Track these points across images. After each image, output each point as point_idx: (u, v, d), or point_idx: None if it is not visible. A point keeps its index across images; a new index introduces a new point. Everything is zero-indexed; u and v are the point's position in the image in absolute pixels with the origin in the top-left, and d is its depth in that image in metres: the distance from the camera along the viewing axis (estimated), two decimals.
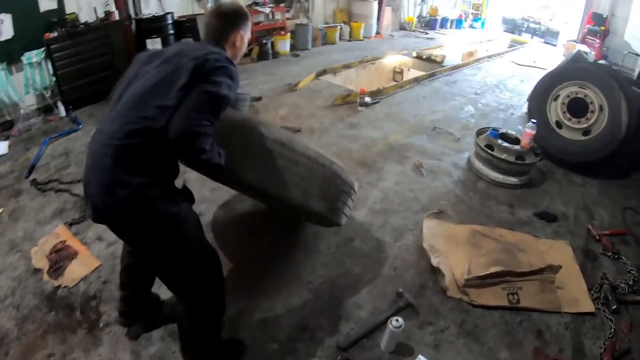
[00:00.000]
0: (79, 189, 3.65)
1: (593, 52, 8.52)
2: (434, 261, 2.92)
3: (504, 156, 3.90)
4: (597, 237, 3.34)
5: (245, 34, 2.03)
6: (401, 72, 8.82)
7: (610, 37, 9.02)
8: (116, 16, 5.95)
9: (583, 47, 8.85)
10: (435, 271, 2.90)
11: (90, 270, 2.83)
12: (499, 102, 6.35)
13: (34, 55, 5.01)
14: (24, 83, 5.07)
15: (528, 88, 6.88)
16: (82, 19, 5.58)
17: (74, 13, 5.48)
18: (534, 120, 3.91)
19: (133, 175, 1.62)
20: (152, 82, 1.71)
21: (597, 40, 8.99)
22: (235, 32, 1.97)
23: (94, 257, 2.94)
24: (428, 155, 4.54)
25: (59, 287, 2.71)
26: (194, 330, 2.10)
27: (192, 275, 1.92)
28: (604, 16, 9.06)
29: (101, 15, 5.84)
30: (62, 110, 5.33)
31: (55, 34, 5.14)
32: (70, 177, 3.95)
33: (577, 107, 4.37)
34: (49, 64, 5.20)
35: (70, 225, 3.27)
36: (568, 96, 4.45)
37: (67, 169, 4.12)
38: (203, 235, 2.02)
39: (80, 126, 5.02)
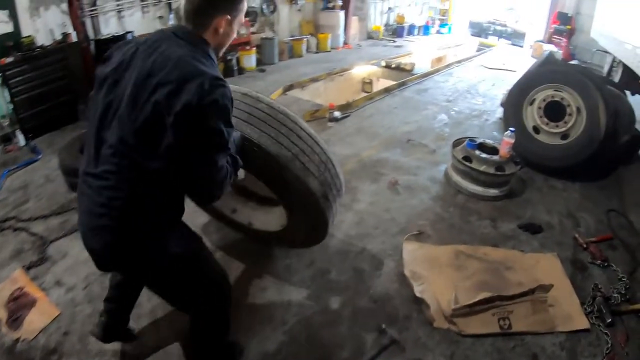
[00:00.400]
0: (37, 227, 3.43)
1: (561, 52, 8.56)
2: (417, 290, 2.69)
3: (483, 168, 3.72)
4: (585, 246, 3.21)
5: (235, 17, 1.60)
6: (370, 83, 8.67)
7: (577, 35, 9.10)
8: (74, 38, 5.66)
9: (550, 47, 8.94)
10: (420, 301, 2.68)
11: (49, 320, 2.60)
12: (472, 109, 6.24)
13: None
14: None
15: (500, 92, 6.88)
16: (39, 42, 5.29)
17: (30, 36, 5.17)
18: (512, 129, 3.75)
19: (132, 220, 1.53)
20: (130, 130, 1.43)
21: (564, 40, 9.08)
22: (217, 16, 1.53)
23: (53, 305, 2.70)
24: (403, 171, 4.34)
25: (18, 339, 2.49)
26: (200, 336, 2.04)
27: (202, 297, 1.87)
28: (569, 15, 9.14)
29: (59, 37, 5.54)
30: (21, 139, 4.98)
31: (11, 58, 4.83)
32: (29, 213, 3.65)
33: (554, 111, 4.25)
34: (6, 90, 4.88)
35: (28, 269, 3.00)
36: (544, 100, 4.32)
37: (25, 204, 3.82)
38: (209, 261, 1.94)
39: (40, 156, 4.69)
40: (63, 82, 5.40)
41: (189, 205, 2.03)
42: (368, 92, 8.27)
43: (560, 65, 4.74)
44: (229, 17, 1.56)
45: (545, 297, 2.61)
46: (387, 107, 6.34)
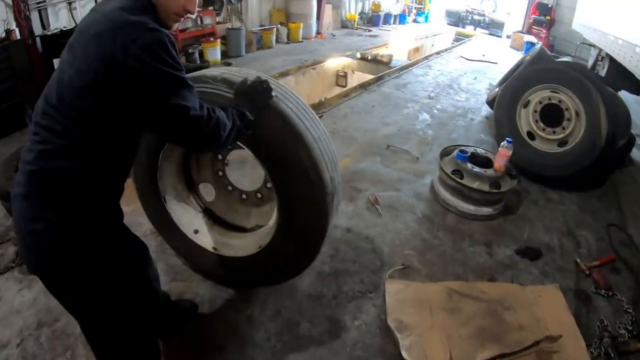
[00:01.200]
0: None
1: (540, 43, 8.32)
2: (404, 346, 2.24)
3: (476, 185, 3.27)
4: (587, 272, 2.91)
5: None
6: (345, 76, 8.22)
7: (557, 26, 8.94)
8: (17, 35, 5.02)
9: (530, 38, 8.70)
10: None
11: None
12: (455, 106, 5.81)
13: None
14: None
15: (483, 86, 6.52)
16: None
17: None
18: (509, 139, 3.29)
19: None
20: (69, 93, 1.32)
21: (544, 30, 8.95)
22: None
23: None
24: (384, 185, 3.85)
25: None
26: None
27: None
28: (550, 6, 8.98)
29: (1, 34, 4.94)
30: None
31: None
32: None
33: (551, 115, 3.85)
34: None
35: None
36: (540, 102, 3.93)
37: None
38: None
39: None
40: (6, 84, 4.86)
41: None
42: (342, 86, 7.83)
43: (555, 63, 4.32)
44: None
45: (552, 347, 2.25)
46: (364, 106, 5.84)
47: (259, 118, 1.76)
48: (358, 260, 2.94)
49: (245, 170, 3.76)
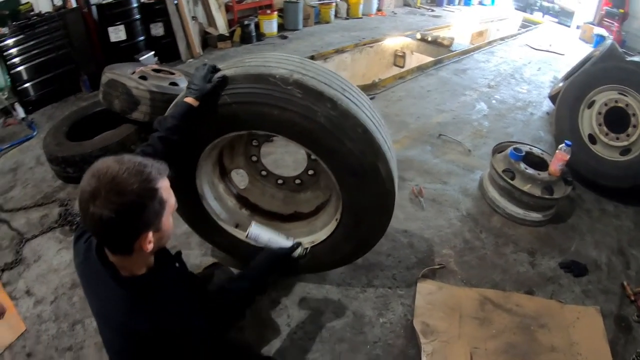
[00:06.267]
0: (18, 220, 3.22)
1: (611, 37, 7.74)
2: (426, 351, 2.21)
3: (527, 187, 3.09)
4: (633, 298, 2.69)
5: (159, 225, 1.24)
6: (403, 56, 7.97)
7: (630, 20, 8.28)
8: (73, 3, 5.18)
9: (600, 30, 8.15)
10: None
11: (16, 337, 2.40)
12: (516, 98, 5.51)
13: None
14: None
15: (547, 78, 6.16)
16: (38, 9, 4.92)
17: (28, 2, 4.85)
18: (568, 142, 3.05)
19: None
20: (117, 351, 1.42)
21: (615, 24, 8.29)
22: (135, 239, 1.19)
23: (20, 319, 2.50)
24: (431, 177, 3.75)
25: None
26: None
27: None
28: None
29: (59, 3, 5.09)
30: (20, 112, 4.76)
31: (6, 29, 4.55)
32: (13, 202, 3.43)
33: (617, 119, 3.55)
34: (2, 62, 4.64)
35: (2, 270, 2.80)
36: (606, 104, 3.62)
37: (12, 190, 3.60)
38: None
39: (35, 132, 4.49)
40: (63, 51, 5.07)
41: None
42: (400, 67, 7.63)
43: (626, 62, 3.97)
44: (149, 232, 1.26)
45: None
46: (420, 90, 5.66)
47: (340, 128, 1.71)
48: (393, 255, 2.90)
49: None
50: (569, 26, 10.10)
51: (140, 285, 1.28)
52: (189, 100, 1.75)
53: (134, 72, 3.62)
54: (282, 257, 1.93)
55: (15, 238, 3.06)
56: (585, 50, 6.94)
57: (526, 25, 10.24)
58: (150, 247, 1.21)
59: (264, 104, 1.72)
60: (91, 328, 2.38)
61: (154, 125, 1.74)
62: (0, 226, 3.19)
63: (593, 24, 8.71)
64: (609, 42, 4.83)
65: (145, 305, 1.27)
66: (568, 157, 3.05)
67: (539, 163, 3.31)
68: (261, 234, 1.99)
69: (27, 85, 4.86)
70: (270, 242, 1.97)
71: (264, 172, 2.54)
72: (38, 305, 2.57)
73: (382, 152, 1.79)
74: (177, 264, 1.50)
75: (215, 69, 1.83)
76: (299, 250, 2.02)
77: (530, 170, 3.17)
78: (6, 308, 2.48)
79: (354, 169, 1.82)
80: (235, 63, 1.93)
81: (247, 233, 1.99)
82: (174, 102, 1.86)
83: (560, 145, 3.08)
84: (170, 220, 1.29)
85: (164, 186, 1.21)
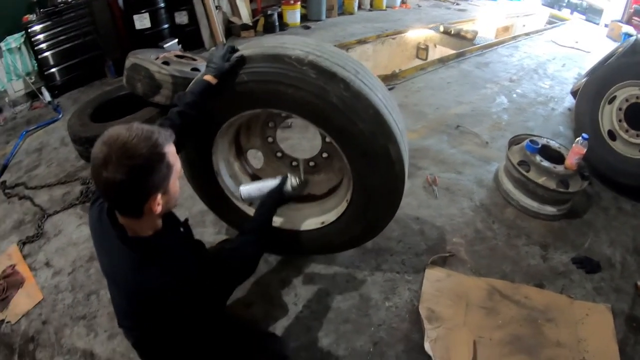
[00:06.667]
0: (41, 197, 3.41)
1: (639, 35, 7.53)
2: (429, 338, 2.22)
3: (542, 180, 3.06)
4: None
5: (167, 187, 1.32)
6: (426, 49, 7.88)
7: None
8: None
9: (629, 29, 7.93)
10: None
11: (33, 305, 2.55)
12: (537, 93, 5.42)
13: (13, 41, 4.69)
14: (5, 70, 4.74)
15: (571, 75, 6.03)
16: None
17: None
18: (585, 135, 3.01)
19: None
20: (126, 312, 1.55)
21: None
22: (145, 201, 1.27)
23: (38, 288, 2.66)
24: (446, 166, 3.75)
25: (2, 321, 2.46)
26: None
27: None
28: None
29: None
30: (46, 95, 5.00)
31: (34, 16, 4.78)
32: (37, 180, 3.62)
33: (638, 116, 3.47)
34: (30, 48, 4.85)
35: (23, 244, 2.98)
36: (627, 100, 3.54)
37: (36, 169, 3.80)
38: None
39: (60, 115, 4.69)
40: (89, 38, 5.25)
41: (185, 191, 1.90)
42: (423, 59, 7.57)
43: None
44: (158, 194, 1.36)
45: None
46: (440, 81, 5.62)
47: (351, 109, 1.76)
48: (403, 241, 2.92)
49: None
50: (597, 24, 9.83)
51: (147, 246, 1.35)
52: (208, 77, 1.82)
53: (157, 58, 3.72)
54: (275, 195, 2.00)
55: (37, 213, 3.23)
56: (612, 48, 6.80)
57: (553, 21, 10.01)
58: (159, 209, 1.29)
59: (279, 83, 1.78)
60: (105, 299, 2.49)
61: (174, 101, 1.82)
62: (24, 202, 3.37)
63: (621, 22, 8.46)
64: (633, 38, 4.72)
65: (152, 264, 1.33)
66: (585, 150, 3.01)
67: (555, 157, 3.26)
68: (250, 189, 2.07)
69: (53, 70, 5.06)
70: (262, 190, 2.04)
71: (279, 154, 2.60)
72: (56, 276, 2.71)
73: (392, 134, 1.82)
74: (182, 229, 1.56)
75: (234, 49, 1.90)
76: (292, 182, 2.05)
77: (545, 163, 3.13)
78: (25, 278, 2.69)
79: (364, 150, 1.86)
80: (253, 44, 1.99)
81: (239, 196, 2.09)
82: (193, 80, 1.92)
83: (577, 139, 3.03)
84: (177, 184, 1.37)
85: (171, 151, 1.28)
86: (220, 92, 1.87)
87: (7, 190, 3.53)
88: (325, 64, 1.74)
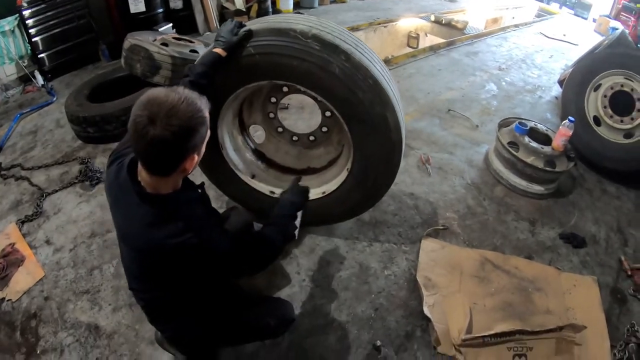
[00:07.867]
0: (39, 177, 3.39)
1: (627, 31, 7.68)
2: (427, 303, 2.35)
3: (530, 159, 3.21)
4: (629, 273, 2.78)
5: (201, 149, 1.42)
6: (417, 38, 7.97)
7: None
8: None
9: (616, 24, 8.06)
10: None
11: (34, 282, 2.54)
12: (525, 81, 5.56)
13: (6, 24, 4.57)
14: None
15: (558, 66, 6.17)
16: None
17: None
18: (571, 118, 3.16)
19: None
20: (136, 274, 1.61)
21: (632, 19, 8.10)
22: (184, 159, 1.35)
23: (39, 265, 2.65)
24: (438, 147, 3.87)
25: (2, 299, 2.45)
26: None
27: None
28: None
29: None
30: (39, 79, 4.93)
31: None
32: (33, 161, 3.60)
33: (622, 103, 3.62)
34: (23, 31, 4.74)
35: (22, 223, 2.95)
36: (611, 88, 3.70)
37: (32, 150, 3.77)
38: None
39: (54, 98, 4.64)
40: (83, 21, 5.17)
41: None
42: (414, 47, 7.65)
43: (634, 49, 4.01)
44: (195, 154, 1.45)
45: (574, 337, 2.22)
46: (431, 68, 5.73)
47: (351, 79, 1.85)
48: (399, 214, 3.03)
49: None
50: (585, 18, 10.01)
51: (166, 202, 1.40)
52: (218, 50, 1.90)
53: (155, 40, 3.75)
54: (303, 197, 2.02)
55: (35, 193, 3.21)
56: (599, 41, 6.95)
57: (542, 15, 10.16)
58: (191, 168, 1.40)
59: (285, 55, 1.87)
60: (108, 273, 2.52)
61: (185, 72, 1.88)
62: (21, 183, 3.34)
63: (610, 17, 8.62)
64: (618, 31, 4.88)
65: (169, 219, 1.37)
66: (571, 132, 3.15)
67: (542, 139, 3.40)
68: None
69: (46, 53, 4.97)
70: None
71: (280, 129, 2.68)
72: (57, 253, 2.71)
73: (390, 103, 1.93)
74: (200, 190, 1.62)
75: (241, 24, 1.98)
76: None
77: (533, 144, 3.28)
78: (25, 256, 2.68)
79: (363, 118, 1.97)
80: (259, 20, 2.09)
81: None
82: (202, 54, 1.99)
83: (564, 121, 3.18)
84: (204, 148, 1.45)
85: (208, 117, 1.37)
86: (228, 64, 1.95)
87: (2, 172, 3.48)
88: (327, 37, 1.84)
